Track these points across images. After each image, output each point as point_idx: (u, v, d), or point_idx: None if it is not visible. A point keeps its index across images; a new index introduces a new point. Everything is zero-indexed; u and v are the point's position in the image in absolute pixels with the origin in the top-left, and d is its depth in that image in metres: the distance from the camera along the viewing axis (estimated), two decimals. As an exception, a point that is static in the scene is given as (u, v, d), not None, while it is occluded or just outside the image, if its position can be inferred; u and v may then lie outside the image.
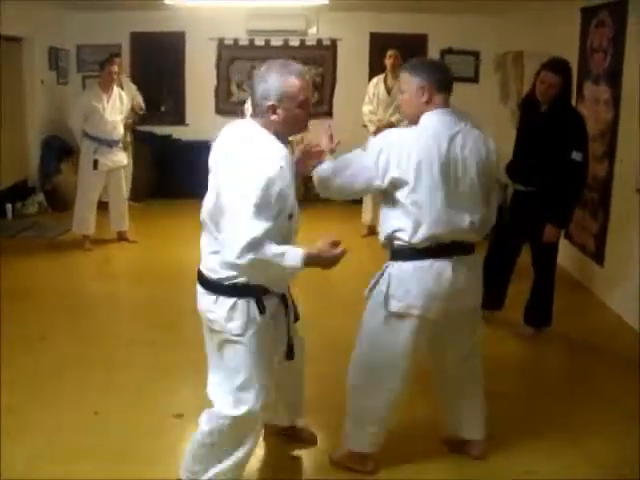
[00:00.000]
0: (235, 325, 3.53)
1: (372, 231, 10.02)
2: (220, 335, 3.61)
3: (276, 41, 12.54)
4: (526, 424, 4.86)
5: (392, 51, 9.83)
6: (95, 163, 8.87)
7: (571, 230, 7.91)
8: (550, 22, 9.22)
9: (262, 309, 3.54)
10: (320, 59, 12.69)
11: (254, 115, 3.55)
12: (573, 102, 7.36)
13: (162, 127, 12.19)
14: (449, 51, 12.54)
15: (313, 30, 12.48)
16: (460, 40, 12.36)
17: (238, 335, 3.54)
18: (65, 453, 4.36)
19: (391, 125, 9.51)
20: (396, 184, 3.77)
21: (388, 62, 9.82)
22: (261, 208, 3.26)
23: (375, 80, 10.04)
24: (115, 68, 8.92)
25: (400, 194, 3.78)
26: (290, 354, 3.87)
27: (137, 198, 10.87)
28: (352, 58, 12.48)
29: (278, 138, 3.49)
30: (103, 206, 9.29)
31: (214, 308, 3.57)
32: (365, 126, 10.04)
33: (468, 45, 12.43)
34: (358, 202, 10.24)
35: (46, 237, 9.57)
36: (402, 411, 4.33)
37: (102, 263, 8.74)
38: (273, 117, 3.45)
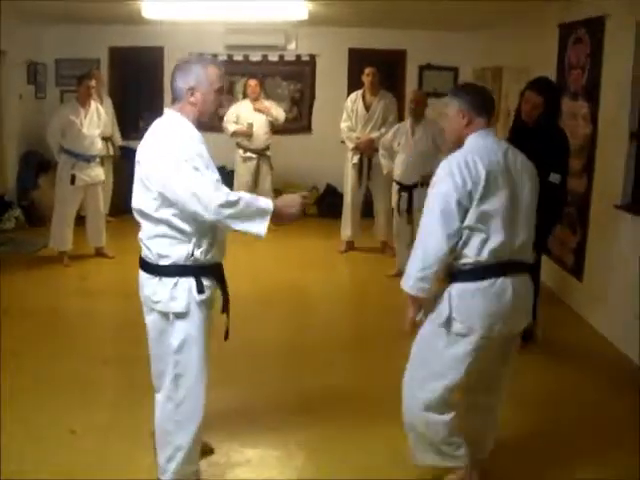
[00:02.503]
0: (178, 304, 3.77)
1: (351, 247, 10.02)
2: (164, 318, 3.87)
3: (255, 56, 12.57)
4: (509, 437, 4.86)
5: (370, 69, 9.83)
6: (72, 178, 8.81)
7: (550, 245, 7.92)
8: (529, 38, 9.28)
9: (200, 289, 3.77)
10: (299, 74, 12.71)
11: (173, 103, 3.88)
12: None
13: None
14: (428, 67, 12.60)
15: (292, 45, 12.52)
16: (439, 56, 12.43)
17: (181, 313, 3.79)
18: (42, 471, 4.29)
19: (371, 142, 9.53)
20: (469, 201, 3.76)
21: (366, 79, 9.81)
22: (201, 168, 3.61)
23: (353, 96, 10.02)
24: (93, 83, 8.88)
25: (469, 212, 3.77)
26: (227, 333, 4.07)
27: (115, 213, 10.82)
28: (331, 73, 12.51)
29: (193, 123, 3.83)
30: (81, 221, 9.23)
31: (156, 289, 3.82)
32: (344, 142, 10.04)
33: (447, 61, 12.49)
34: (337, 217, 10.25)
35: (23, 253, 9.49)
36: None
37: (79, 279, 8.65)
38: (192, 99, 3.79)
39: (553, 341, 6.77)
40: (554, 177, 5.85)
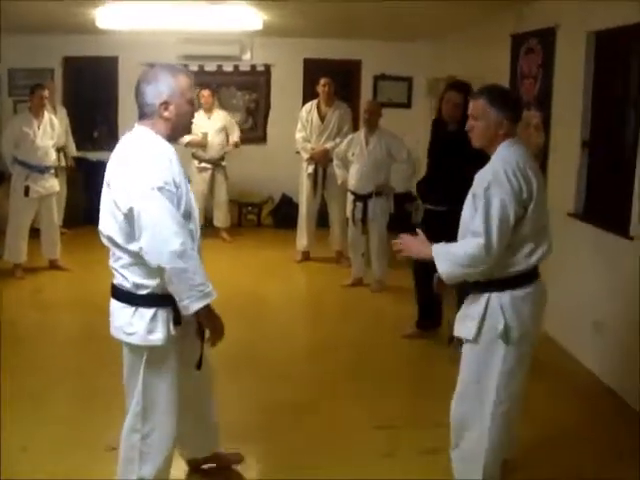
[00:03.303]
0: (157, 336, 3.58)
1: (307, 257, 10.02)
2: (137, 349, 3.68)
3: (210, 66, 12.53)
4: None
5: (325, 79, 9.85)
6: (26, 190, 8.73)
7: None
8: (482, 48, 9.36)
9: (177, 320, 3.60)
10: (254, 85, 12.70)
11: (142, 118, 3.66)
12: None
13: (95, 153, 11.85)
14: (382, 77, 12.66)
15: (247, 56, 12.50)
16: (393, 66, 12.50)
17: (160, 346, 3.60)
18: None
19: (326, 152, 9.55)
20: (523, 211, 3.79)
21: (322, 90, 9.83)
22: (170, 206, 3.42)
23: (308, 107, 10.04)
24: (46, 93, 8.82)
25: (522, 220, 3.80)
26: (199, 362, 3.85)
27: (69, 224, 10.73)
28: (286, 84, 12.51)
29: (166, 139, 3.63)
30: (35, 233, 9.15)
31: (133, 321, 3.61)
32: (299, 152, 10.05)
33: (401, 71, 12.56)
34: (292, 227, 10.28)
35: (-23, 265, 9.36)
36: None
37: (33, 292, 8.57)
38: (166, 114, 3.57)
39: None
40: None
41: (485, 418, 3.96)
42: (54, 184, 9.12)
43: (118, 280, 3.67)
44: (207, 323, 3.60)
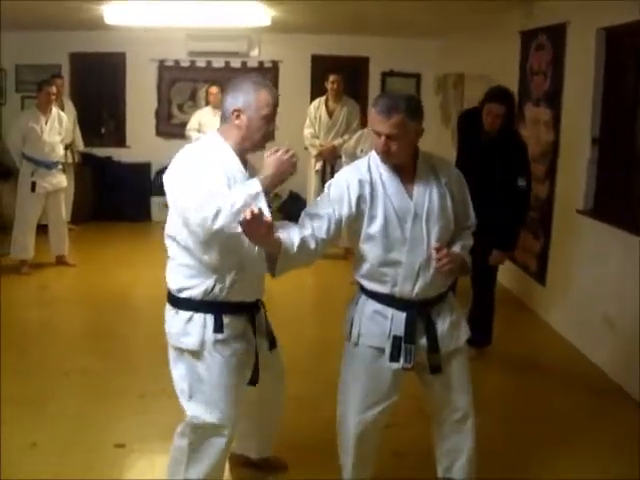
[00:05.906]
0: (190, 340, 3.53)
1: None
2: (176, 351, 3.62)
3: (217, 63, 12.52)
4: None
5: (335, 76, 9.82)
6: (33, 185, 8.72)
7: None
8: (491, 45, 9.32)
9: (218, 327, 3.53)
10: (262, 81, 12.66)
11: (222, 123, 3.61)
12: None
13: (102, 149, 11.96)
14: (390, 73, 12.62)
15: (255, 52, 12.49)
16: (401, 62, 12.48)
17: (194, 351, 3.55)
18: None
19: (334, 148, 9.52)
20: None
21: (330, 87, 9.81)
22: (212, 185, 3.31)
23: (316, 103, 10.02)
24: (53, 89, 8.79)
25: None
26: (254, 379, 3.77)
27: (77, 221, 10.71)
28: (294, 80, 12.47)
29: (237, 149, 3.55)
30: (42, 229, 9.14)
31: (172, 321, 3.59)
32: (307, 149, 10.02)
33: (409, 67, 12.53)
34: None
35: (-15, 261, 9.35)
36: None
37: (40, 288, 8.55)
38: (237, 122, 3.50)
39: (516, 345, 6.79)
40: (521, 181, 5.89)
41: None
42: (61, 180, 9.11)
43: (168, 282, 3.64)
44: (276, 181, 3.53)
